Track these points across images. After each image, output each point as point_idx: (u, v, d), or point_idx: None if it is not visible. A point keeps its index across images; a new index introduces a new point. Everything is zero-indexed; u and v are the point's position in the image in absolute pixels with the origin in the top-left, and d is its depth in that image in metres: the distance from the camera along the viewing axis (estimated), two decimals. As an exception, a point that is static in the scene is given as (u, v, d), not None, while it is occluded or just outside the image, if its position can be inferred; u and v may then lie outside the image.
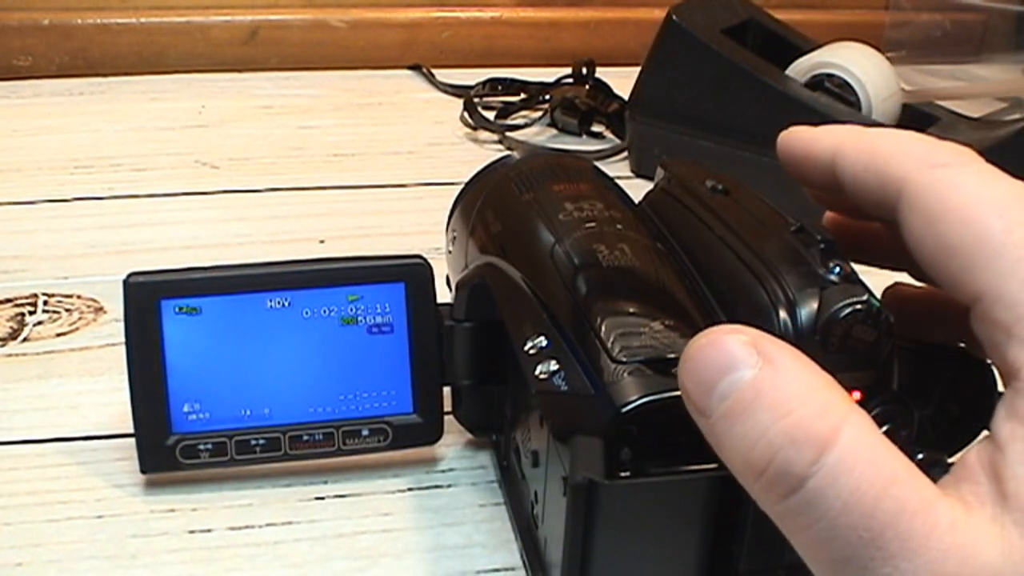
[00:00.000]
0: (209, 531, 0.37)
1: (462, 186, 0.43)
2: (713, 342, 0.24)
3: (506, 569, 0.36)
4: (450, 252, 0.44)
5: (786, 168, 0.31)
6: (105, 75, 0.88)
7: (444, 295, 0.40)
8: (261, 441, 0.38)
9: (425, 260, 0.39)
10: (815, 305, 0.28)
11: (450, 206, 0.45)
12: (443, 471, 0.41)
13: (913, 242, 0.26)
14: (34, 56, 0.87)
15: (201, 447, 0.38)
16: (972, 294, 0.25)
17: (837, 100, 0.65)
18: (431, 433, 0.40)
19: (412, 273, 0.38)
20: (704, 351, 0.24)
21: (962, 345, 0.31)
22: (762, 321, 0.30)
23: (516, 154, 0.44)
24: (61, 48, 0.87)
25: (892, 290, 0.33)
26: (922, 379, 0.26)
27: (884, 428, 0.29)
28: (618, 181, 0.42)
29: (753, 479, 0.23)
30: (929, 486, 0.23)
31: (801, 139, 0.31)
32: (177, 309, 0.37)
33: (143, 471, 0.38)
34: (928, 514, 0.22)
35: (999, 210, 0.25)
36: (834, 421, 0.23)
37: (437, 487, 0.40)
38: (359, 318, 0.38)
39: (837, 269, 0.29)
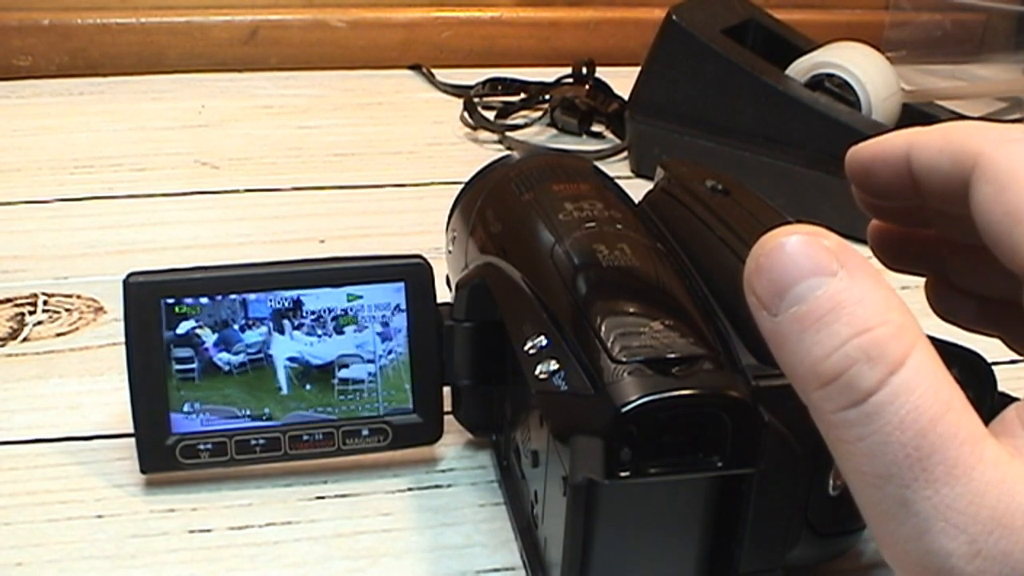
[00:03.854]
0: (209, 531, 0.37)
1: (462, 186, 0.43)
2: (795, 243, 0.24)
3: (506, 569, 0.36)
4: (450, 252, 0.44)
5: (852, 177, 0.31)
6: (105, 75, 0.88)
7: (444, 295, 0.40)
8: (261, 441, 0.38)
9: (425, 260, 0.39)
10: None
11: (449, 206, 0.45)
12: (443, 471, 0.41)
13: (980, 212, 0.26)
14: (34, 56, 0.87)
15: (201, 447, 0.38)
16: None
17: (837, 100, 0.65)
18: (431, 433, 0.40)
19: (412, 273, 0.38)
20: (783, 251, 0.24)
21: (964, 345, 0.31)
22: None
23: (516, 154, 0.44)
24: (61, 48, 0.87)
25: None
26: None
27: None
28: (618, 181, 0.42)
29: (815, 387, 0.23)
30: (979, 423, 0.23)
31: (872, 143, 0.30)
32: (177, 309, 0.37)
33: (143, 471, 0.38)
34: (975, 446, 0.22)
35: None
36: (908, 342, 0.23)
37: (437, 487, 0.40)
38: (359, 317, 0.38)
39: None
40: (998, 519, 0.22)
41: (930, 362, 0.23)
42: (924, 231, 0.32)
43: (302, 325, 0.38)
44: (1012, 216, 0.25)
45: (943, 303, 0.33)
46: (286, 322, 0.38)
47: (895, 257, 0.33)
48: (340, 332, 0.38)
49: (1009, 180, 0.25)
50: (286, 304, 0.38)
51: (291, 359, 0.38)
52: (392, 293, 0.38)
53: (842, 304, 0.23)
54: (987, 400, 0.31)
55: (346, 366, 0.38)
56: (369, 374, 0.39)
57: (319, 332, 0.38)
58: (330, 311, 0.38)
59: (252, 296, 0.38)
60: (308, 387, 0.38)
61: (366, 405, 0.39)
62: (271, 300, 0.38)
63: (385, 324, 0.38)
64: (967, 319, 0.32)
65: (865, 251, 0.58)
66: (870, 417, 0.22)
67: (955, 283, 0.32)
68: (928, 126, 0.29)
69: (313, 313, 0.38)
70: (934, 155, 0.28)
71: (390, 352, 0.39)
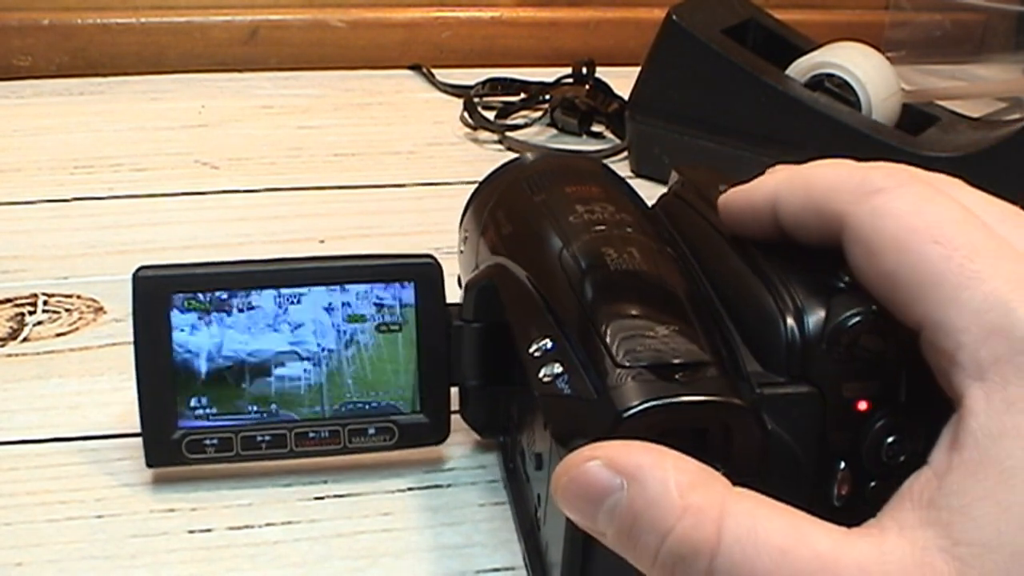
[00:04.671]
0: (209, 531, 0.37)
1: (475, 186, 0.43)
2: (574, 478, 0.25)
3: (506, 569, 0.36)
4: (461, 252, 0.44)
5: (730, 227, 0.32)
6: (105, 75, 0.88)
7: (454, 295, 0.40)
8: (267, 437, 0.38)
9: (436, 260, 0.39)
10: (822, 313, 0.28)
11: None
12: (443, 471, 0.41)
13: (859, 274, 0.26)
14: (34, 56, 0.87)
15: (207, 442, 0.38)
16: (917, 323, 0.25)
17: (837, 100, 0.65)
18: (437, 433, 0.40)
19: (423, 273, 0.38)
20: (571, 487, 0.25)
21: None
22: (769, 328, 0.29)
23: (530, 155, 0.44)
24: (61, 48, 0.87)
25: None
26: (935, 392, 0.26)
27: (890, 440, 0.29)
28: (619, 181, 0.42)
29: None
30: (826, 537, 0.23)
31: (740, 196, 0.31)
32: (186, 304, 0.37)
33: (149, 465, 0.38)
34: (829, 569, 0.22)
35: (934, 235, 0.24)
36: (713, 523, 0.23)
37: (437, 487, 0.40)
38: (368, 316, 0.38)
39: (846, 277, 0.29)
40: None
41: (747, 521, 0.23)
42: None
43: (310, 322, 0.38)
44: (888, 280, 0.25)
45: None
46: (294, 319, 0.38)
47: None
48: (348, 330, 0.38)
49: (876, 244, 0.25)
50: (295, 301, 0.38)
51: (298, 356, 0.38)
52: (402, 292, 0.38)
53: (637, 514, 0.24)
54: None
55: (353, 364, 0.38)
56: (377, 373, 0.39)
57: (327, 329, 0.38)
58: (339, 309, 0.38)
59: (261, 292, 0.38)
60: (315, 384, 0.38)
61: (373, 404, 0.39)
62: (280, 296, 0.38)
63: (394, 323, 0.38)
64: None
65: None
66: None
67: None
68: (791, 172, 0.29)
69: (322, 310, 0.38)
70: (799, 212, 0.28)
71: (398, 351, 0.39)
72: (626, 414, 0.28)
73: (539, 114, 0.81)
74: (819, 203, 0.27)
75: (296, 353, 0.38)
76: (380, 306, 0.38)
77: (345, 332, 0.38)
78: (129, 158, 0.71)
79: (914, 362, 0.27)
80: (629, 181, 0.42)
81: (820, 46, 0.70)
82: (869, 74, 0.65)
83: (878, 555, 0.23)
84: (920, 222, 0.25)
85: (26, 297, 0.53)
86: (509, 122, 0.79)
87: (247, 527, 0.37)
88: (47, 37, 0.87)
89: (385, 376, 0.39)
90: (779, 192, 0.29)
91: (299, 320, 0.38)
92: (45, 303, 0.52)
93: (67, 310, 0.52)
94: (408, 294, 0.38)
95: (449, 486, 0.40)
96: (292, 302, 0.38)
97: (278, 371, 0.38)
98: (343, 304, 0.38)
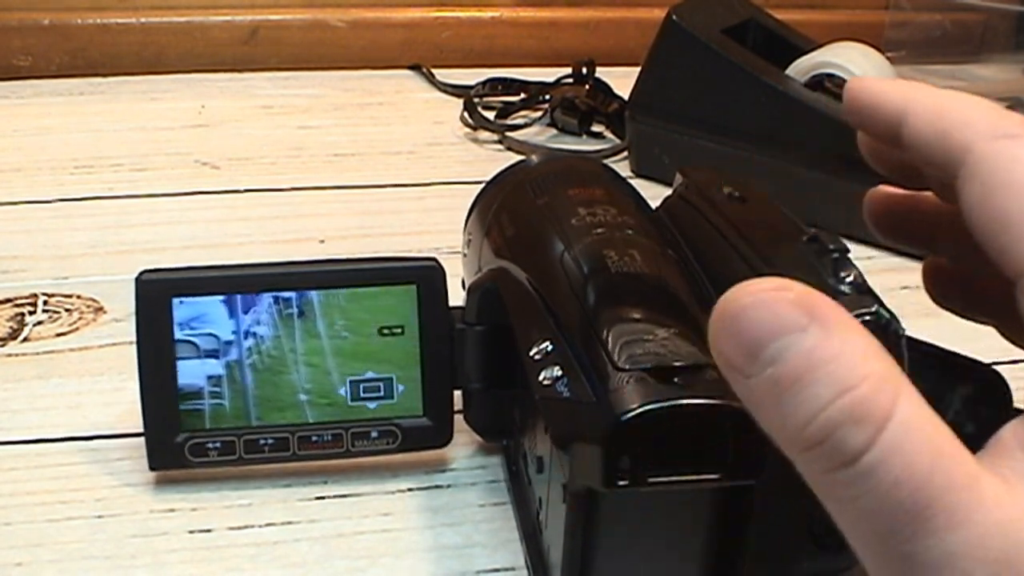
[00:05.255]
0: (209, 531, 0.37)
1: (478, 188, 0.43)
2: (757, 303, 0.23)
3: (506, 569, 0.36)
4: (465, 255, 0.44)
5: (850, 117, 0.30)
6: (105, 75, 0.88)
7: (457, 296, 0.40)
8: (270, 441, 0.38)
9: (438, 262, 0.39)
10: None
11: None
12: (443, 471, 0.41)
13: (969, 211, 0.25)
14: (34, 56, 0.87)
15: (210, 445, 0.38)
16: (1017, 269, 0.24)
17: (837, 100, 0.65)
18: (440, 436, 0.39)
19: (425, 275, 0.38)
20: (747, 312, 0.23)
21: (979, 361, 0.31)
22: None
23: (535, 157, 0.44)
24: (61, 48, 0.87)
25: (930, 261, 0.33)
26: (937, 394, 0.26)
27: None
28: (619, 181, 0.42)
29: (800, 450, 0.22)
30: (973, 461, 0.22)
31: (870, 90, 0.30)
32: (188, 307, 0.37)
33: (152, 468, 0.38)
34: (974, 489, 0.22)
35: None
36: (891, 395, 0.22)
37: (437, 487, 0.40)
38: (370, 319, 0.38)
39: (849, 279, 0.28)
40: (1006, 560, 0.21)
41: (917, 409, 0.22)
42: (921, 204, 0.31)
43: (313, 325, 0.38)
44: (998, 222, 0.25)
45: (938, 287, 0.33)
46: (297, 322, 0.38)
47: (890, 229, 0.32)
48: (351, 333, 0.38)
49: (997, 182, 0.25)
50: (298, 304, 0.38)
51: (301, 359, 0.38)
52: (404, 295, 0.38)
53: (818, 362, 0.22)
54: (1004, 416, 0.31)
55: (357, 367, 0.38)
56: (380, 376, 0.39)
57: (330, 333, 0.38)
58: (342, 312, 0.38)
59: (264, 296, 0.38)
60: (318, 388, 0.38)
61: (376, 407, 0.39)
62: (282, 300, 0.38)
63: (396, 326, 0.38)
64: (962, 306, 0.32)
65: (866, 251, 0.58)
66: (863, 477, 0.22)
67: (950, 263, 0.32)
68: (928, 91, 0.28)
69: (324, 314, 0.38)
70: (926, 134, 0.27)
71: (401, 354, 0.38)
72: (625, 417, 0.28)
73: (539, 114, 0.81)
74: (949, 130, 0.27)
75: (300, 356, 0.38)
76: (383, 309, 0.38)
77: (347, 335, 0.38)
78: (129, 158, 0.71)
79: (917, 364, 0.27)
80: (630, 181, 0.42)
81: (820, 46, 0.70)
82: (869, 74, 0.65)
83: (1008, 493, 0.22)
84: None
85: (26, 297, 0.53)
86: (509, 122, 0.79)
87: (247, 527, 0.37)
88: (47, 37, 0.87)
89: (388, 379, 0.39)
90: (911, 104, 0.28)
91: (303, 323, 0.38)
92: (45, 303, 0.52)
93: (67, 310, 0.52)
94: (411, 297, 0.38)
95: (449, 487, 0.40)
96: (295, 305, 0.38)
97: (282, 374, 0.38)
98: (345, 307, 0.38)
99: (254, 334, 0.38)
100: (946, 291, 0.33)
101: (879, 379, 0.22)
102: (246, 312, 0.38)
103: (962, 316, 0.32)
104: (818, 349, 0.22)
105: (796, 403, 0.22)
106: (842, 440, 0.22)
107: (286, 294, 0.38)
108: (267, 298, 0.38)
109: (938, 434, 0.22)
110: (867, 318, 0.27)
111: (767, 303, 0.23)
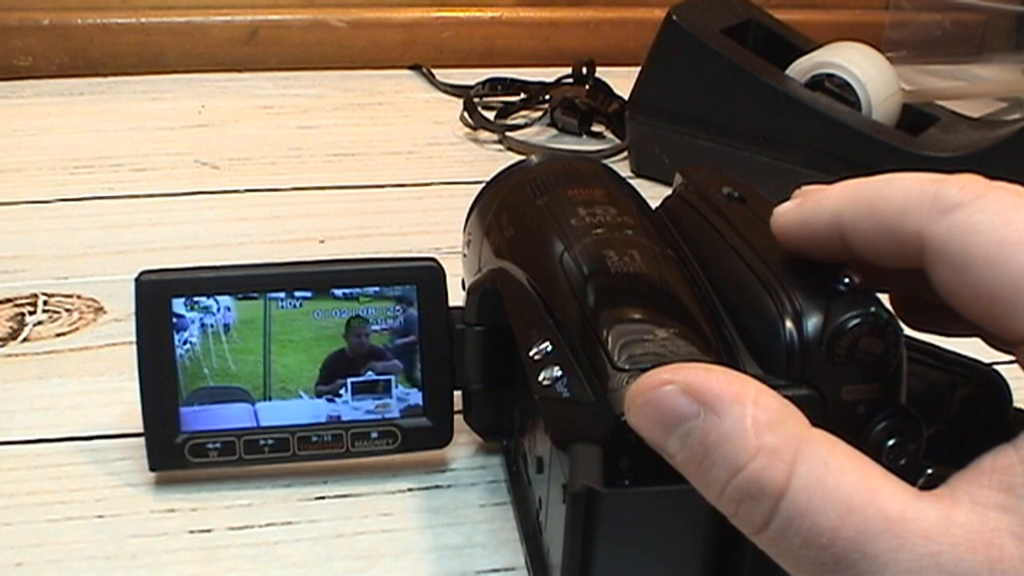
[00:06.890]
0: (209, 531, 0.37)
1: (478, 188, 0.43)
2: (650, 400, 0.25)
3: (506, 569, 0.36)
4: (465, 255, 0.44)
5: (789, 248, 0.30)
6: (105, 75, 0.88)
7: (457, 297, 0.40)
8: (270, 441, 0.38)
9: (438, 263, 0.39)
10: (822, 316, 0.28)
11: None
12: (443, 471, 0.41)
13: (947, 293, 0.25)
14: (34, 56, 0.87)
15: (210, 446, 0.38)
16: (1018, 335, 0.24)
17: (837, 100, 0.65)
18: (441, 437, 0.39)
19: (425, 276, 0.38)
20: (646, 408, 0.25)
21: (978, 360, 0.31)
22: (768, 331, 0.29)
23: (535, 158, 0.44)
24: (61, 48, 0.87)
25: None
26: (936, 394, 0.26)
27: (891, 442, 0.29)
28: (618, 181, 0.42)
29: (727, 515, 0.24)
30: (900, 499, 0.23)
31: (796, 218, 0.29)
32: (188, 308, 0.37)
33: (152, 469, 0.38)
34: (896, 531, 0.22)
35: None
36: (785, 465, 0.23)
37: (437, 487, 0.40)
38: (370, 319, 0.38)
39: (847, 280, 0.28)
40: None
41: (819, 468, 0.23)
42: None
43: (313, 326, 0.38)
44: (983, 298, 0.24)
45: (913, 317, 0.31)
46: (297, 322, 0.38)
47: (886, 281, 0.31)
48: (351, 333, 0.38)
49: (965, 262, 0.24)
50: (298, 304, 0.38)
51: (301, 360, 0.38)
52: (404, 296, 0.38)
53: (712, 446, 0.24)
54: (1004, 416, 0.31)
55: (357, 368, 0.38)
56: (379, 377, 0.39)
57: (330, 333, 0.38)
58: (342, 312, 0.38)
59: (264, 296, 0.38)
60: (318, 388, 0.38)
61: (376, 407, 0.39)
62: (283, 300, 0.38)
63: (397, 326, 0.38)
64: (943, 326, 0.31)
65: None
66: (776, 540, 0.23)
67: (924, 296, 0.31)
68: (852, 192, 0.27)
69: (324, 314, 0.38)
70: (869, 237, 0.27)
71: (401, 355, 0.39)
72: (624, 418, 0.28)
73: (539, 114, 0.81)
74: (891, 226, 0.26)
75: (301, 357, 0.38)
76: (383, 309, 0.38)
77: (347, 335, 0.38)
78: (129, 158, 0.71)
79: (918, 364, 0.27)
80: (630, 181, 0.42)
81: (820, 46, 0.70)
82: (869, 74, 0.66)
83: (945, 524, 0.22)
84: (1011, 233, 0.24)
85: (26, 297, 0.53)
86: (509, 122, 0.79)
87: (247, 527, 0.37)
88: (47, 37, 0.87)
89: (388, 380, 0.39)
90: (843, 215, 0.27)
91: (303, 324, 0.38)
92: (45, 303, 0.52)
93: (67, 310, 0.52)
94: (411, 297, 0.38)
95: (449, 487, 0.40)
96: (295, 306, 0.38)
97: (282, 375, 0.38)
98: (345, 307, 0.38)
99: (255, 333, 0.38)
100: (922, 318, 0.32)
101: (769, 453, 0.23)
102: (247, 312, 0.38)
103: (944, 335, 0.32)
104: (711, 433, 0.24)
105: (705, 484, 0.24)
106: (746, 513, 0.23)
107: (286, 294, 0.38)
108: (267, 297, 0.38)
109: (846, 486, 0.23)
110: (865, 318, 0.27)
111: (659, 398, 0.25)
